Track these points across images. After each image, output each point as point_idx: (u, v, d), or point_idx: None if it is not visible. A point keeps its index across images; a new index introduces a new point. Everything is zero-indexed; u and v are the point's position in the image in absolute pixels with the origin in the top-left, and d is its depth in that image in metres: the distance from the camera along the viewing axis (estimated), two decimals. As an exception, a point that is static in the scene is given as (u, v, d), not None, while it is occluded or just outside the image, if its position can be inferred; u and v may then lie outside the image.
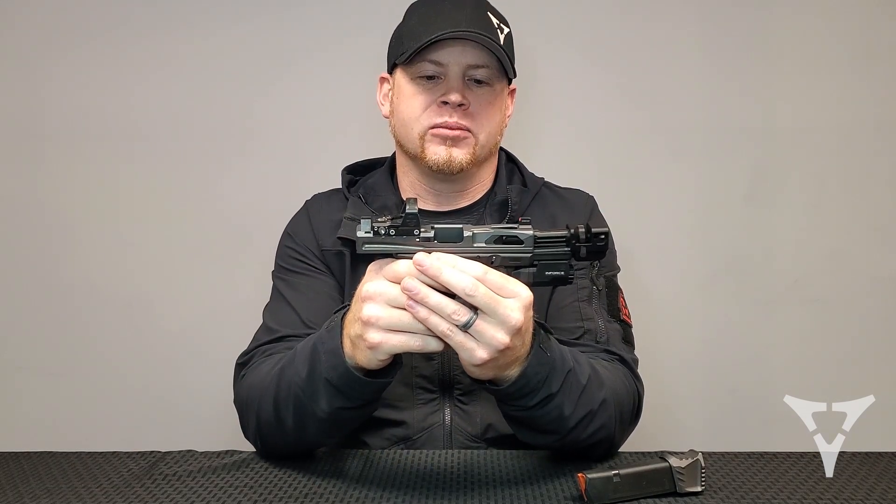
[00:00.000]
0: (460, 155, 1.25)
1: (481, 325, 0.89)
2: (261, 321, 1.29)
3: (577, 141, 1.98)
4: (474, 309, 0.89)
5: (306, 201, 1.42)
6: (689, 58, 1.96)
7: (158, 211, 1.98)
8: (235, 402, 1.21)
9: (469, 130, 1.25)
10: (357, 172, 1.41)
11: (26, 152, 1.97)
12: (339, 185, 1.39)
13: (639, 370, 1.24)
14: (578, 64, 1.97)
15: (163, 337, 1.99)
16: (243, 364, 1.23)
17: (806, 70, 1.96)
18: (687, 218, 1.99)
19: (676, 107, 1.97)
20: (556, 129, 1.98)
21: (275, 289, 1.34)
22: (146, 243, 1.98)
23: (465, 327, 0.89)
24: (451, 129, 1.24)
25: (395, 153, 1.38)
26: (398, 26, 1.32)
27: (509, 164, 1.41)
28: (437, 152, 1.25)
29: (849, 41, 1.95)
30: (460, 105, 1.23)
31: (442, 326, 0.89)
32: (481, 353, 0.90)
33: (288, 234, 1.37)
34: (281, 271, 1.34)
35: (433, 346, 0.92)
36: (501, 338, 0.89)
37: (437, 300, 0.88)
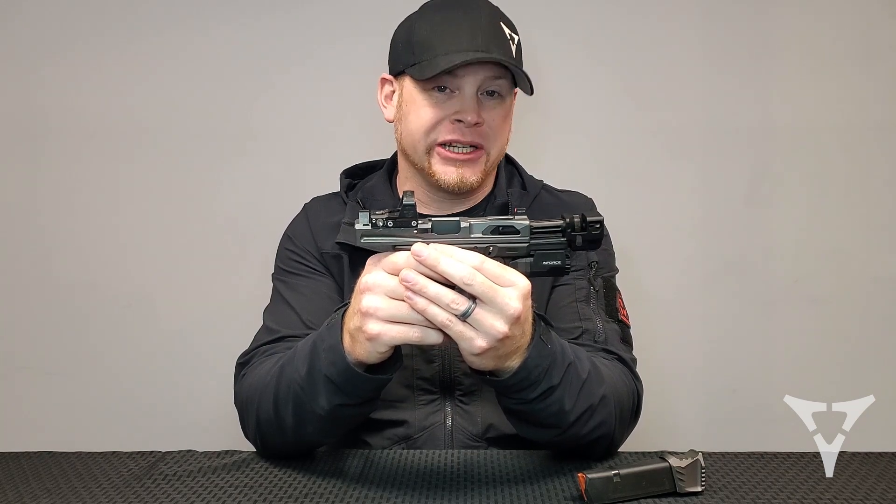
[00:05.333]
0: (472, 176, 1.25)
1: (480, 313, 0.89)
2: (261, 322, 1.29)
3: (578, 141, 1.98)
4: (473, 298, 0.89)
5: (305, 204, 1.42)
6: (690, 58, 1.96)
7: (158, 211, 1.98)
8: (236, 401, 1.21)
9: (482, 146, 1.24)
10: (355, 175, 1.41)
11: (26, 152, 1.97)
12: (338, 189, 1.39)
13: (638, 370, 1.24)
14: (578, 64, 1.97)
15: (163, 337, 1.99)
16: (244, 364, 1.23)
17: (806, 70, 1.95)
18: (687, 218, 1.98)
19: (676, 107, 1.96)
20: (556, 129, 1.97)
21: (275, 290, 1.34)
22: (146, 243, 1.98)
23: (463, 317, 0.89)
24: (461, 149, 1.23)
25: (394, 155, 1.38)
26: (406, 29, 1.28)
27: (508, 166, 1.41)
28: (447, 172, 1.24)
29: (849, 41, 1.95)
30: (475, 124, 1.22)
31: (441, 316, 0.89)
32: (480, 342, 0.90)
33: (287, 237, 1.38)
34: (281, 273, 1.34)
35: (432, 337, 0.91)
36: (500, 326, 0.89)
37: (435, 290, 0.88)
